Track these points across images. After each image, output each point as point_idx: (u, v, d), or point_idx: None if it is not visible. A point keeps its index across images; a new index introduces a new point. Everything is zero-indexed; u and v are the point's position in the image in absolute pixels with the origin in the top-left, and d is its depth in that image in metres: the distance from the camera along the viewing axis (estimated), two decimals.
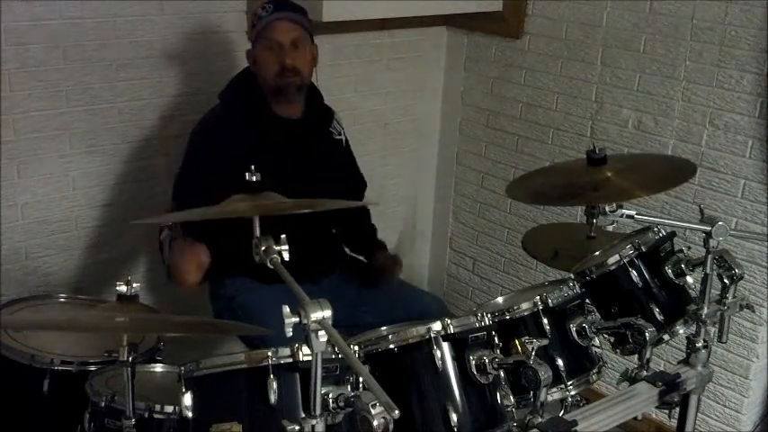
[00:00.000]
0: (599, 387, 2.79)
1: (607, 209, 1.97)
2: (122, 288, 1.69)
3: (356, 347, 1.70)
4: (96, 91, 2.65)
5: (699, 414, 2.14)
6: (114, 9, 2.60)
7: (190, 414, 1.60)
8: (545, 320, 1.88)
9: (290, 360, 1.60)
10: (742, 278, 2.01)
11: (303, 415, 1.41)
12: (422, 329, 1.69)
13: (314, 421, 1.39)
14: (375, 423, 1.25)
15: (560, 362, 1.87)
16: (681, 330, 2.03)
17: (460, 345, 1.70)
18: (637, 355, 1.94)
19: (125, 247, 2.86)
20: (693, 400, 2.05)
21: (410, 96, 3.52)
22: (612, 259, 2.03)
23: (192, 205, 1.91)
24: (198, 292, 2.40)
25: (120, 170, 2.78)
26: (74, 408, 1.92)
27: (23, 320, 2.29)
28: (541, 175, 2.32)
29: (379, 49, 3.32)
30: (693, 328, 2.01)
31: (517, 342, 1.69)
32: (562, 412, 1.85)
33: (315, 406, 1.39)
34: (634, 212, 1.97)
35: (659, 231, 2.10)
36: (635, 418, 1.92)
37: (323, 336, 1.32)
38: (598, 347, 1.96)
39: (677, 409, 2.07)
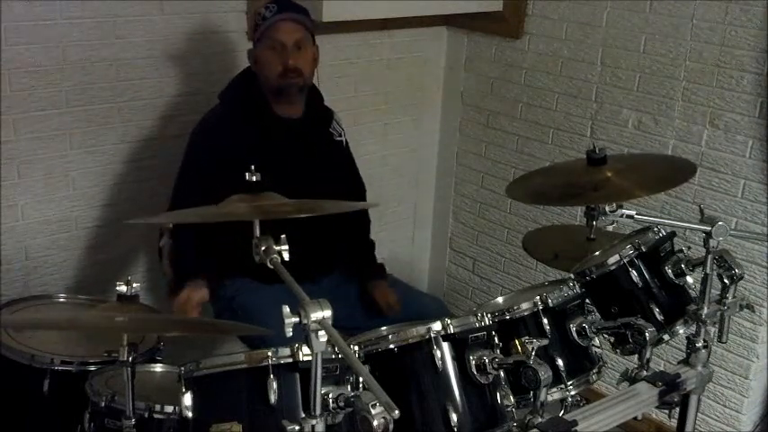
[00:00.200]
0: (599, 387, 2.79)
1: (607, 209, 1.97)
2: (122, 288, 1.69)
3: (356, 347, 1.70)
4: (96, 91, 2.65)
5: (699, 414, 2.14)
6: (114, 9, 2.60)
7: (190, 414, 1.60)
8: (545, 320, 1.88)
9: (290, 360, 1.60)
10: (742, 278, 2.01)
11: (303, 415, 1.41)
12: (422, 329, 1.69)
13: (314, 421, 1.39)
14: (375, 423, 1.25)
15: (560, 362, 1.87)
16: (681, 330, 2.03)
17: (460, 345, 1.69)
18: (637, 355, 1.94)
19: (125, 247, 2.86)
20: (693, 400, 2.05)
21: (410, 96, 3.52)
22: (612, 259, 2.02)
23: (192, 205, 1.91)
24: None
25: (120, 170, 2.78)
26: (74, 408, 1.92)
27: (23, 320, 2.29)
28: (541, 176, 2.32)
29: (379, 49, 3.32)
30: (693, 328, 2.01)
31: (517, 342, 1.69)
32: (562, 412, 1.85)
33: (315, 406, 1.39)
34: (634, 212, 1.97)
35: (659, 231, 2.10)
36: (635, 418, 1.91)
37: (323, 336, 1.32)
38: (598, 347, 1.96)
39: (677, 409, 2.07)
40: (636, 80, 2.97)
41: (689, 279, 2.06)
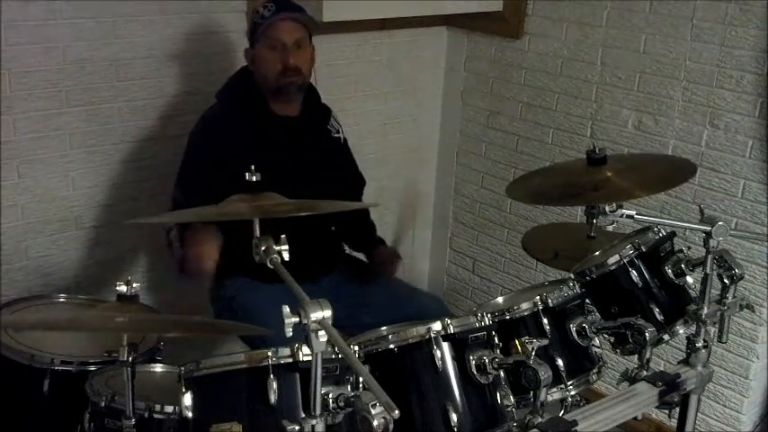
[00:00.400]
0: (599, 387, 2.79)
1: (607, 209, 1.97)
2: (122, 288, 1.69)
3: (356, 347, 1.70)
4: (96, 91, 2.65)
5: (699, 414, 2.15)
6: (114, 9, 2.60)
7: (190, 414, 1.60)
8: (545, 320, 1.88)
9: (290, 360, 1.60)
10: (742, 278, 2.01)
11: (303, 415, 1.41)
12: (422, 329, 1.69)
13: (314, 421, 1.39)
14: (375, 423, 1.25)
15: (560, 362, 1.87)
16: (681, 330, 2.03)
17: (460, 345, 1.69)
18: (637, 355, 1.94)
19: (125, 247, 2.86)
20: (693, 400, 2.05)
21: (410, 96, 3.52)
22: (612, 259, 2.02)
23: (193, 204, 1.91)
24: (206, 281, 2.38)
25: (120, 170, 2.78)
26: (74, 408, 1.92)
27: (23, 320, 2.29)
28: (541, 175, 2.32)
29: (379, 49, 3.32)
30: (693, 328, 2.01)
31: (517, 342, 1.69)
32: (562, 412, 1.85)
33: (315, 406, 1.39)
34: (634, 212, 1.97)
35: (659, 231, 2.10)
36: (635, 418, 1.91)
37: (323, 336, 1.32)
38: (598, 347, 1.96)
39: (677, 409, 2.07)
40: (636, 80, 2.97)
41: (689, 279, 2.06)
